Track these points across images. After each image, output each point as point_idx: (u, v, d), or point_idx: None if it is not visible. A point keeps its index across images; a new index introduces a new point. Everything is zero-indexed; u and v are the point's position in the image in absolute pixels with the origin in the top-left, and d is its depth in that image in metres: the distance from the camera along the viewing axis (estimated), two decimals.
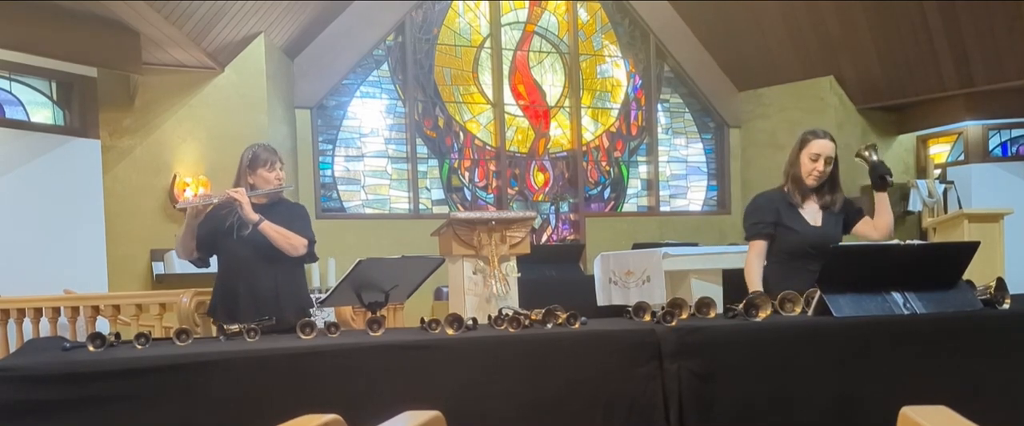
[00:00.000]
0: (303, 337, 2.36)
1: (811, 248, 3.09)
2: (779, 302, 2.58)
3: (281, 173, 3.26)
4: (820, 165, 3.15)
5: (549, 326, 2.44)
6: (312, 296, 5.37)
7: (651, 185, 9.78)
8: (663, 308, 2.47)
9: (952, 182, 8.46)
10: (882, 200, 3.25)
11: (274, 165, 3.23)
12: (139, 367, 2.07)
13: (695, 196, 9.99)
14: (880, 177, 3.19)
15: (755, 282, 3.11)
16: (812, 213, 3.19)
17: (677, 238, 8.58)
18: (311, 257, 3.28)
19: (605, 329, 2.42)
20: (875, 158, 3.24)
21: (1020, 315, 2.57)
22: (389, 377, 2.18)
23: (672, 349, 2.30)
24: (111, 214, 6.67)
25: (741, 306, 2.51)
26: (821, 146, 3.18)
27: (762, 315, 2.47)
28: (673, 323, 2.39)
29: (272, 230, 3.12)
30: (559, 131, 9.43)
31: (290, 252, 3.16)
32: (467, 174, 9.03)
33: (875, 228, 3.27)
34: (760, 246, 3.17)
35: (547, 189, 9.37)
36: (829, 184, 3.20)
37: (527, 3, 9.31)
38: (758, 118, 9.63)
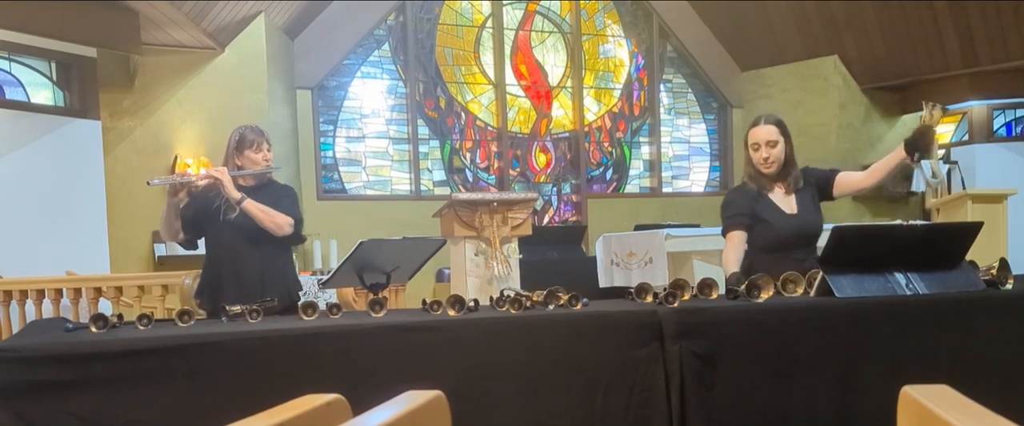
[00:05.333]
0: (305, 318, 2.36)
1: (793, 237, 3.04)
2: (781, 283, 2.58)
3: (269, 154, 3.22)
4: (763, 152, 3.05)
5: (550, 307, 2.44)
6: (314, 278, 5.38)
7: (653, 166, 9.76)
8: (665, 289, 2.46)
9: (956, 162, 8.43)
10: (897, 159, 2.98)
11: (261, 146, 3.18)
12: (141, 348, 2.07)
13: (697, 177, 9.97)
14: (918, 148, 2.91)
15: (731, 266, 2.97)
16: (785, 201, 3.09)
17: (679, 219, 8.56)
18: (297, 238, 3.22)
19: (607, 310, 2.42)
20: (932, 126, 2.90)
21: (1022, 296, 2.57)
22: (391, 358, 2.18)
23: (674, 330, 2.30)
24: (112, 195, 6.68)
25: (743, 287, 2.51)
26: (757, 133, 3.07)
27: (764, 296, 2.47)
28: (675, 304, 2.39)
29: (255, 208, 3.07)
30: (561, 112, 9.39)
31: (275, 231, 3.10)
32: (469, 155, 9.01)
33: (867, 175, 3.11)
34: (738, 237, 3.05)
35: (549, 170, 9.35)
36: (785, 164, 3.09)
37: None
38: (761, 98, 9.58)
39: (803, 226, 3.06)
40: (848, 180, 3.16)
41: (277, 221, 3.10)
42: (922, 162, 3.01)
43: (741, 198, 3.10)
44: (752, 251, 3.08)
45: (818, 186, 3.15)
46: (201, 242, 3.31)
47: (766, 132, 3.06)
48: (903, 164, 3.01)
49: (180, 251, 6.56)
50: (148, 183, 3.33)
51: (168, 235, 3.24)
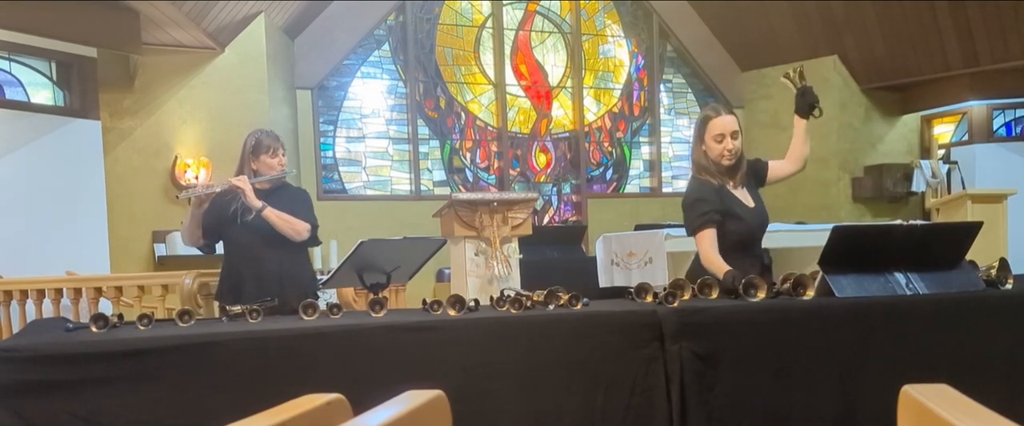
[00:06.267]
0: (305, 318, 2.36)
1: (758, 231, 3.00)
2: (792, 286, 2.55)
3: (283, 159, 3.33)
4: (728, 143, 2.92)
5: (551, 307, 2.44)
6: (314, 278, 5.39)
7: (653, 166, 9.76)
8: (665, 289, 2.46)
9: (956, 162, 8.43)
10: (802, 127, 3.08)
11: (276, 151, 3.29)
12: (142, 348, 2.07)
13: None
14: (809, 105, 3.03)
15: (723, 264, 2.81)
16: (743, 195, 3.00)
17: (679, 220, 8.52)
18: (314, 241, 3.35)
19: (607, 310, 2.42)
20: (805, 84, 3.06)
21: (1022, 295, 2.57)
22: (391, 357, 2.19)
23: (674, 330, 2.30)
24: (112, 196, 6.68)
25: (740, 287, 2.51)
26: (722, 123, 2.93)
27: (761, 295, 2.47)
28: (675, 304, 2.39)
29: (275, 216, 3.19)
30: (561, 112, 9.39)
31: (293, 237, 3.24)
32: (469, 155, 9.01)
33: (789, 159, 3.10)
34: (713, 234, 2.88)
35: (549, 170, 9.35)
36: (740, 158, 3.00)
37: None
38: (761, 98, 9.58)
39: (763, 219, 3.02)
40: (779, 169, 3.13)
41: (296, 228, 3.23)
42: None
43: (710, 193, 2.94)
44: (721, 249, 2.92)
45: (755, 177, 3.09)
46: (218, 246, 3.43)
47: (732, 122, 2.94)
48: (808, 125, 3.13)
49: (180, 251, 6.59)
50: (177, 196, 3.47)
51: (190, 241, 3.37)
